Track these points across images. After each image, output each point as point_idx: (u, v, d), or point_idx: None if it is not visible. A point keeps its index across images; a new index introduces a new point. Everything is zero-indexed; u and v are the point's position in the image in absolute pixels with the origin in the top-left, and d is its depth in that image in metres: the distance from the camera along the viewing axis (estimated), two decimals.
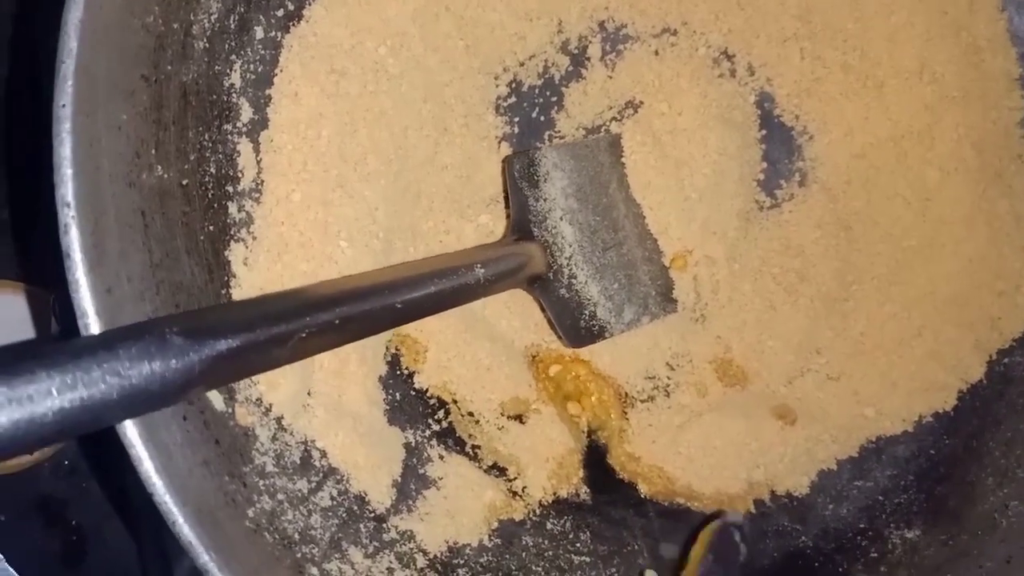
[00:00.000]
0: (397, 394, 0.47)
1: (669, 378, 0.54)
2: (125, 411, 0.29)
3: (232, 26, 0.39)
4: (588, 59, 0.53)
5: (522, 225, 0.48)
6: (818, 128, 0.55)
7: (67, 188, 0.30)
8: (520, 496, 0.48)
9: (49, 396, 0.26)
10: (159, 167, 0.35)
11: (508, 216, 0.51)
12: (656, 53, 0.54)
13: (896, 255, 0.54)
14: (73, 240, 0.30)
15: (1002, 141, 0.53)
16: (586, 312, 0.50)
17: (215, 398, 0.36)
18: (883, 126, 0.54)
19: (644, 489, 0.52)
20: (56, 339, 0.51)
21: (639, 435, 0.52)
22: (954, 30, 0.52)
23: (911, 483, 0.53)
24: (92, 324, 0.31)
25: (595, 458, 0.52)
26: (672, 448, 0.52)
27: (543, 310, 0.52)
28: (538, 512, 0.48)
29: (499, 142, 0.52)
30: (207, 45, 0.38)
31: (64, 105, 0.30)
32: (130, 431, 0.31)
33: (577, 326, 0.50)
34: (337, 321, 0.35)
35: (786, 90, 0.55)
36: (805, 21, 0.54)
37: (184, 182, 0.37)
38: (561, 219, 0.49)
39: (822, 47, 0.54)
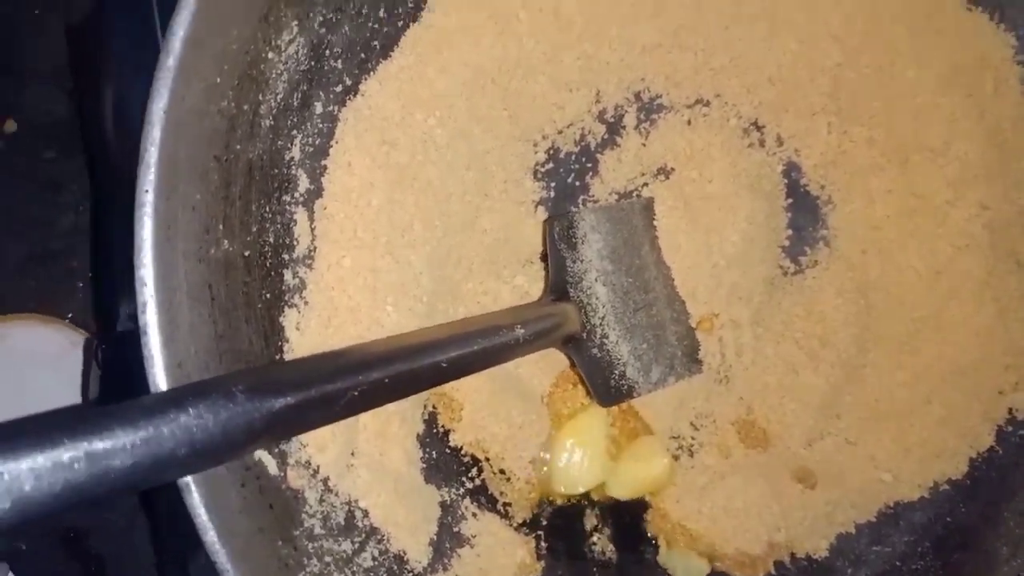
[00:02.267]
0: (433, 452, 0.48)
1: (693, 438, 0.56)
2: (192, 465, 0.31)
3: (295, 103, 0.41)
4: (623, 127, 0.56)
5: (559, 286, 0.50)
6: (842, 198, 0.57)
7: (147, 269, 0.32)
8: (549, 553, 0.50)
9: (124, 452, 0.27)
10: (225, 241, 0.37)
11: (546, 276, 0.53)
12: (689, 123, 0.56)
13: (908, 324, 0.56)
14: (151, 318, 0.32)
15: (1016, 219, 0.55)
16: (616, 371, 0.51)
17: (269, 462, 0.38)
18: (906, 199, 0.56)
19: (666, 546, 0.53)
20: (99, 382, 0.52)
21: (665, 493, 0.54)
22: (978, 112, 0.54)
23: (928, 549, 0.54)
24: None
25: (620, 516, 0.54)
26: (695, 507, 0.54)
27: (573, 367, 0.54)
28: (567, 571, 0.50)
29: (536, 206, 0.54)
30: (272, 123, 0.40)
31: (147, 191, 0.32)
32: (195, 498, 0.32)
33: (608, 385, 0.51)
34: (387, 380, 0.36)
35: (813, 161, 0.57)
36: (834, 97, 0.56)
37: (246, 253, 0.39)
38: (596, 280, 0.51)
39: (849, 122, 0.56)
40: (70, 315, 0.68)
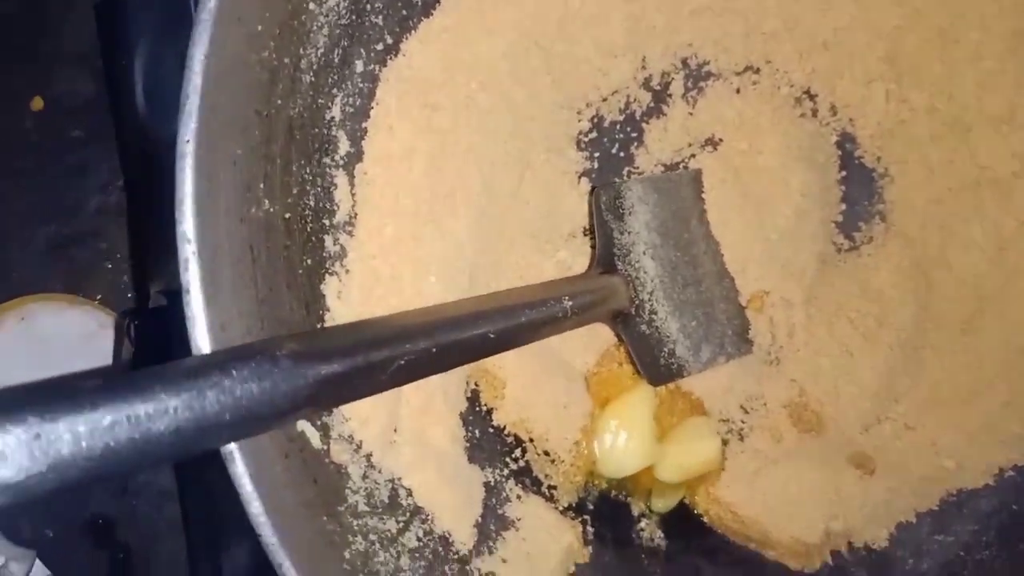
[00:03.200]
0: (476, 431, 0.46)
1: (743, 421, 0.53)
2: (235, 432, 0.29)
3: (336, 60, 0.39)
4: (670, 95, 0.53)
5: (607, 258, 0.48)
6: (899, 170, 0.55)
7: (189, 223, 0.30)
8: (597, 538, 0.47)
9: (166, 415, 0.25)
10: (266, 201, 0.35)
11: (592, 249, 0.51)
12: (738, 91, 0.54)
13: (969, 304, 0.53)
14: (193, 275, 0.30)
15: None
16: (665, 349, 0.49)
17: (312, 435, 0.36)
18: (969, 171, 0.53)
19: (719, 529, 0.51)
20: (131, 361, 0.50)
21: (715, 477, 0.51)
22: None
23: (993, 539, 0.51)
24: None
25: None
26: (748, 493, 0.51)
27: (618, 346, 0.51)
28: (614, 557, 0.47)
29: (579, 177, 0.52)
30: (313, 79, 0.38)
31: (188, 141, 0.31)
32: (240, 468, 0.30)
33: (657, 364, 0.49)
34: (434, 349, 0.35)
35: (869, 131, 0.54)
36: (892, 63, 0.53)
37: (287, 216, 0.37)
38: (644, 253, 0.48)
39: (908, 89, 0.53)
40: (99, 297, 0.66)
